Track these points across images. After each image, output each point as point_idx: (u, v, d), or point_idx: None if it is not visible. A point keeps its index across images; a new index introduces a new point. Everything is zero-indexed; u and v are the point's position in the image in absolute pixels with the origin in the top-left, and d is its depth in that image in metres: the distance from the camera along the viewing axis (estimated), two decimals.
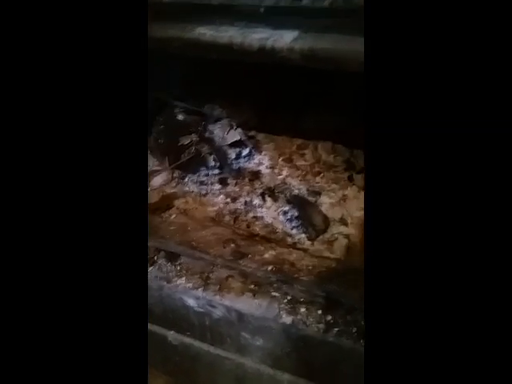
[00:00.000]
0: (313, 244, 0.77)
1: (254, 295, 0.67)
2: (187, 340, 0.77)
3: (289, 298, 0.66)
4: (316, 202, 0.87)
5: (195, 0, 0.50)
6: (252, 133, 1.04)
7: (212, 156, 0.94)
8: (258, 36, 0.49)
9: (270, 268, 0.68)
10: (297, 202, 0.86)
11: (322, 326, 0.63)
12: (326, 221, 0.82)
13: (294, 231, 0.80)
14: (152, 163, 1.01)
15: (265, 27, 0.50)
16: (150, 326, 0.79)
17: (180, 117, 1.01)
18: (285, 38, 0.48)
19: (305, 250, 0.74)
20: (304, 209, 0.84)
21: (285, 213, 0.83)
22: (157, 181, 0.97)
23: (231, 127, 0.96)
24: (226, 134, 0.95)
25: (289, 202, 0.86)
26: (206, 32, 0.52)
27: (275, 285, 0.68)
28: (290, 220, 0.82)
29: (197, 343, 0.76)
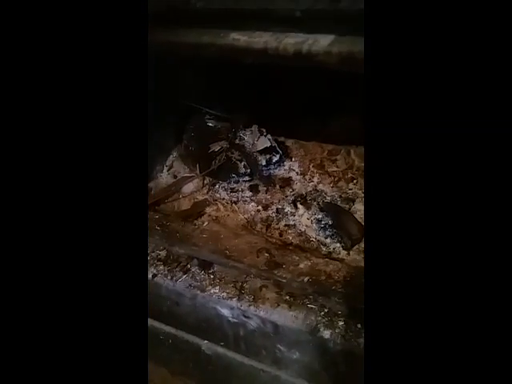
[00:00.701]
0: (349, 254, 0.74)
1: (290, 307, 0.65)
2: (221, 350, 0.76)
3: (326, 310, 0.64)
4: (350, 209, 0.84)
5: (229, 5, 0.50)
6: (281, 139, 1.03)
7: (242, 163, 0.94)
8: (294, 40, 0.48)
9: (306, 279, 0.66)
10: (330, 209, 0.83)
11: (361, 340, 0.59)
12: (362, 229, 0.78)
13: (329, 240, 0.77)
14: (183, 170, 1.02)
15: (300, 31, 0.49)
16: (185, 335, 0.79)
17: (210, 124, 1.01)
18: (321, 42, 0.47)
19: (341, 261, 0.71)
20: (338, 217, 0.81)
21: (318, 221, 0.81)
22: (188, 187, 0.97)
23: (261, 133, 0.95)
24: (256, 140, 0.94)
25: (322, 209, 0.83)
26: (240, 37, 0.51)
27: (311, 296, 0.65)
28: (324, 228, 0.79)
29: (231, 353, 0.75)
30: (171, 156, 1.04)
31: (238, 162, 0.94)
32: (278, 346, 0.67)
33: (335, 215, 0.82)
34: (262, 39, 0.49)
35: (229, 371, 0.78)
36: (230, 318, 0.69)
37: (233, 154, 0.94)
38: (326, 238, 0.78)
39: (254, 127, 0.96)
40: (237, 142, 0.96)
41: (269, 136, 0.95)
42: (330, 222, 0.80)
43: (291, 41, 0.48)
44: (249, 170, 0.94)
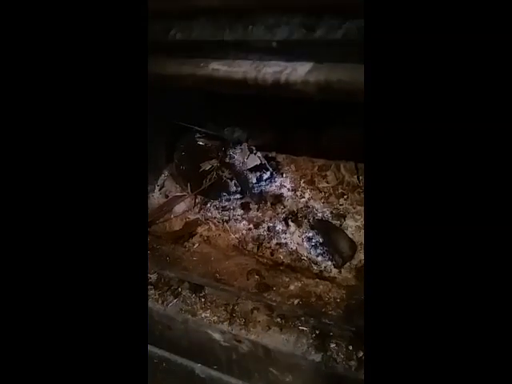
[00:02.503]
0: (340, 272, 0.74)
1: (281, 329, 0.64)
2: (214, 373, 0.75)
3: (317, 332, 0.63)
4: (341, 225, 0.84)
5: (208, 37, 0.50)
6: (272, 154, 1.03)
7: (233, 181, 0.94)
8: (272, 70, 0.48)
9: (296, 301, 0.65)
10: (321, 226, 0.83)
11: (353, 363, 0.59)
12: (353, 246, 0.78)
13: (320, 258, 0.77)
14: (175, 189, 1.02)
15: (279, 60, 0.49)
16: (178, 359, 0.78)
17: (200, 142, 1.01)
18: (299, 71, 0.47)
19: (332, 280, 0.71)
20: (328, 234, 0.81)
21: (309, 239, 0.81)
22: (180, 207, 0.97)
23: (251, 151, 0.95)
24: (246, 158, 0.95)
25: (312, 227, 0.83)
26: (219, 68, 0.51)
27: (302, 318, 0.65)
28: (315, 247, 0.79)
29: (225, 377, 0.74)
30: (162, 175, 1.04)
31: (229, 181, 0.94)
32: (271, 369, 0.66)
33: (326, 232, 0.81)
34: (242, 69, 0.49)
35: None
36: (222, 342, 0.68)
37: (223, 172, 0.95)
38: (317, 256, 0.78)
39: (244, 145, 0.96)
40: (227, 160, 0.96)
41: (258, 154, 0.95)
42: (321, 240, 0.79)
43: (270, 70, 0.48)
44: (240, 188, 0.94)
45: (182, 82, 0.53)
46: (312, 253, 0.78)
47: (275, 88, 0.47)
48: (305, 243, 0.80)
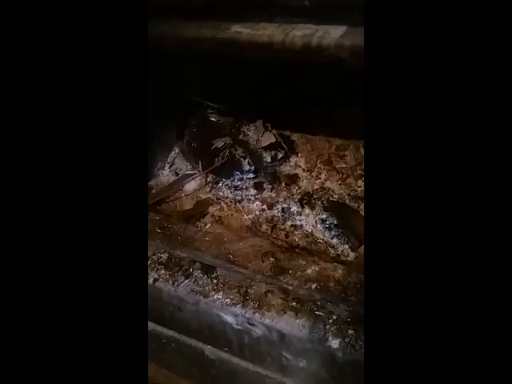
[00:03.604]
0: (357, 256, 0.71)
1: (297, 314, 0.62)
2: (225, 355, 0.73)
3: (334, 317, 0.61)
4: (359, 208, 0.80)
5: None
6: (287, 133, 0.98)
7: (246, 159, 0.90)
8: (302, 32, 0.44)
9: (313, 286, 0.62)
10: (337, 208, 0.80)
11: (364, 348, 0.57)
12: None
13: (335, 241, 0.74)
14: (185, 167, 0.99)
15: (308, 22, 0.44)
16: (187, 340, 0.77)
17: (213, 118, 0.97)
18: (332, 34, 0.42)
19: (349, 264, 0.68)
20: (345, 216, 0.78)
21: (323, 221, 0.77)
22: (190, 186, 0.94)
23: (266, 129, 0.91)
24: (260, 136, 0.91)
25: (327, 209, 0.79)
26: (242, 30, 0.47)
27: (319, 303, 0.62)
28: (329, 229, 0.76)
29: (235, 359, 0.72)
30: (173, 152, 1.00)
31: (242, 159, 0.90)
32: (284, 353, 0.64)
33: (342, 215, 0.78)
34: (267, 32, 0.45)
35: (233, 376, 0.76)
36: (234, 325, 0.66)
37: (236, 150, 0.91)
38: (332, 238, 0.75)
39: (259, 122, 0.92)
40: (240, 137, 0.92)
41: (274, 131, 0.91)
42: (336, 222, 0.76)
43: (299, 33, 0.44)
44: (253, 167, 0.90)
45: (201, 46, 0.48)
46: (327, 235, 0.75)
47: (305, 53, 0.42)
48: (319, 225, 0.77)
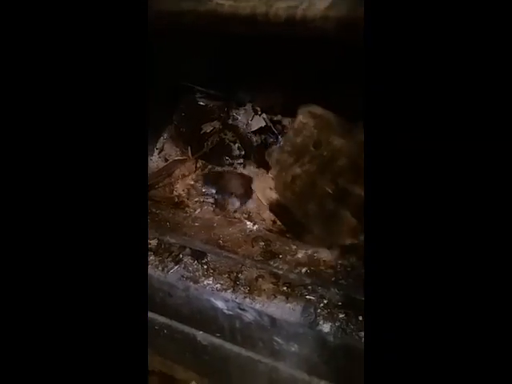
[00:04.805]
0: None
1: (287, 298, 0.61)
2: (217, 341, 0.73)
3: (325, 301, 0.60)
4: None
5: None
6: (278, 117, 0.96)
7: (236, 144, 0.88)
8: (286, 4, 0.41)
9: (304, 270, 0.62)
10: None
11: (363, 334, 0.56)
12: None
13: None
14: (174, 153, 0.97)
15: None
16: (179, 326, 0.76)
17: (201, 103, 0.94)
18: (317, 5, 0.40)
19: (342, 247, 0.67)
20: None
21: None
22: (180, 172, 0.92)
23: (255, 112, 0.88)
24: (250, 120, 0.88)
25: None
26: (224, 2, 0.44)
27: (309, 287, 0.62)
28: None
29: (227, 345, 0.72)
30: (162, 138, 0.98)
31: (232, 144, 0.88)
32: (276, 338, 0.64)
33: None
34: (250, 3, 0.42)
35: (225, 361, 0.75)
36: (225, 311, 0.65)
37: (226, 135, 0.88)
38: None
39: (248, 106, 0.89)
40: (230, 122, 0.90)
41: (264, 115, 0.88)
42: None
43: (283, 5, 0.41)
44: (243, 152, 0.88)
45: (182, 19, 0.46)
46: None
47: (289, 25, 0.40)
48: None
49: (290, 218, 0.68)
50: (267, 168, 0.84)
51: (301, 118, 0.70)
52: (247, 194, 0.80)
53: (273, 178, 0.72)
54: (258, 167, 0.85)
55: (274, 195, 0.71)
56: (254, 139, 0.88)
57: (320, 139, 0.67)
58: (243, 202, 0.79)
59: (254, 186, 0.76)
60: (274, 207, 0.70)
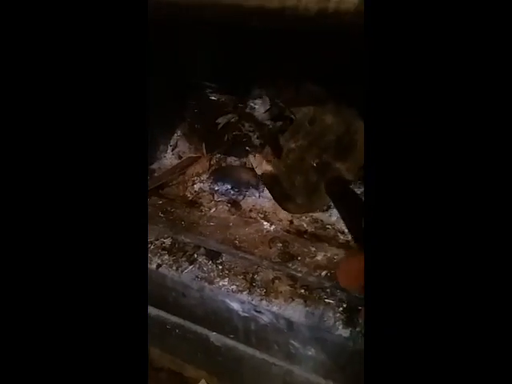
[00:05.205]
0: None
1: (305, 301, 0.60)
2: (231, 342, 0.72)
3: (345, 306, 0.58)
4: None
5: None
6: (294, 110, 0.94)
7: (255, 134, 0.85)
8: None
9: (323, 273, 0.60)
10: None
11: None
12: None
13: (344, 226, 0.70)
14: (188, 150, 0.95)
15: None
16: (192, 326, 0.75)
17: (213, 97, 0.93)
18: None
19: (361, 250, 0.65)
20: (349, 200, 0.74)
21: (329, 206, 0.74)
22: (194, 169, 0.91)
23: (272, 102, 0.86)
24: (266, 109, 0.86)
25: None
26: None
27: (328, 290, 0.60)
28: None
29: (241, 346, 0.71)
30: (175, 135, 0.96)
31: (251, 134, 0.86)
32: (292, 341, 0.63)
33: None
34: None
35: (239, 362, 0.74)
36: (241, 312, 0.64)
37: (243, 126, 0.86)
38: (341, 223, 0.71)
39: (264, 97, 0.87)
40: (247, 111, 0.88)
41: (280, 104, 0.86)
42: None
43: None
44: (262, 141, 0.85)
45: (201, 13, 0.44)
46: (336, 220, 0.72)
47: (321, 19, 0.38)
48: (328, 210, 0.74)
49: (278, 188, 0.72)
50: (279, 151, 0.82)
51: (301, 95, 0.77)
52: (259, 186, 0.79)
53: (272, 154, 0.75)
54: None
55: (268, 167, 0.74)
56: (271, 127, 0.85)
57: (316, 116, 0.73)
58: (259, 194, 0.78)
59: (252, 160, 0.76)
60: (266, 178, 0.73)
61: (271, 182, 0.72)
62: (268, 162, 0.74)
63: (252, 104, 0.86)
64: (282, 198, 0.70)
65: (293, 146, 0.73)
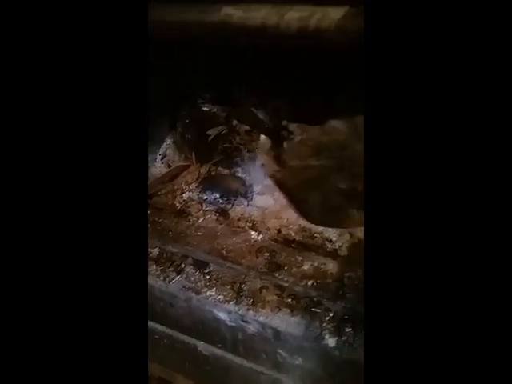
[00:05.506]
0: (355, 250, 0.68)
1: (292, 311, 0.60)
2: (218, 352, 0.72)
3: (331, 315, 0.59)
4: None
5: None
6: (284, 123, 0.95)
7: (246, 149, 0.86)
8: (298, 14, 0.40)
9: (310, 283, 0.60)
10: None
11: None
12: None
13: (335, 237, 0.71)
14: (178, 159, 0.95)
15: (306, 2, 0.41)
16: (180, 335, 0.75)
17: (205, 108, 0.93)
18: (332, 15, 0.39)
19: (348, 259, 0.66)
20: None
21: None
22: (183, 178, 0.91)
23: (261, 116, 0.87)
24: (256, 124, 0.87)
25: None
26: (233, 13, 0.43)
27: (315, 299, 0.60)
28: None
29: (229, 356, 0.71)
30: (164, 143, 0.97)
31: (242, 147, 0.86)
32: (279, 351, 0.63)
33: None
34: (260, 14, 0.41)
35: (227, 372, 0.74)
36: (228, 322, 0.64)
37: (234, 138, 0.87)
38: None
39: (253, 110, 0.88)
40: (236, 125, 0.89)
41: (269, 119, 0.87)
42: None
43: (295, 15, 0.40)
44: (253, 154, 0.86)
45: (187, 31, 0.44)
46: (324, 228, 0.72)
47: (302, 37, 0.39)
48: None
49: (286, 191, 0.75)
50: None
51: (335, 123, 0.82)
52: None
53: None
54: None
55: (276, 168, 0.78)
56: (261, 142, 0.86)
57: (345, 144, 0.78)
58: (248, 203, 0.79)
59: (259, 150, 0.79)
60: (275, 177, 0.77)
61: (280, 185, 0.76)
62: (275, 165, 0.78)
63: (241, 118, 0.87)
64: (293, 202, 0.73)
65: (314, 163, 0.77)
